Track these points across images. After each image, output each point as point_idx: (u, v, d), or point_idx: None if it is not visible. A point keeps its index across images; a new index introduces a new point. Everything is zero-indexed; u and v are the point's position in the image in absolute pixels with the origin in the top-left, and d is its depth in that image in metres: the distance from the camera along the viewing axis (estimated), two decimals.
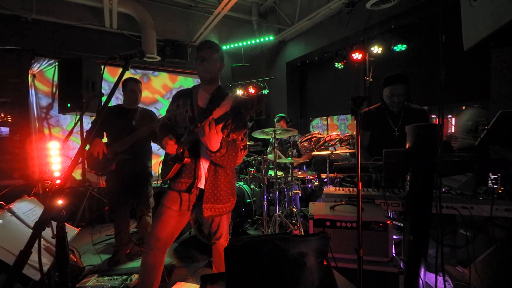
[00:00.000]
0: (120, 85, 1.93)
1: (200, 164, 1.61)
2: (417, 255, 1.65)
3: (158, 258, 1.64)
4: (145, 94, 4.82)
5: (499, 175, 1.81)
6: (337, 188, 2.22)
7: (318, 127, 6.58)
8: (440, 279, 1.50)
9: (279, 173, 3.29)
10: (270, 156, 3.76)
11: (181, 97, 1.71)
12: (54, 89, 4.04)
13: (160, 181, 3.49)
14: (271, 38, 4.92)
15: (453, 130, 3.44)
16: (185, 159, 1.57)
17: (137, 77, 2.90)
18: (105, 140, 2.61)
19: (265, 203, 3.06)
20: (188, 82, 5.34)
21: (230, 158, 1.50)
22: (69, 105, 2.92)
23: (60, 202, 0.93)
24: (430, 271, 1.82)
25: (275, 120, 4.00)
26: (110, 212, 2.81)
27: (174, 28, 4.77)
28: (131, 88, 2.62)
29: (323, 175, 3.45)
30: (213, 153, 1.43)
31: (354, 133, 2.71)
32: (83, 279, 2.22)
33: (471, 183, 2.16)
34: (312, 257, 0.96)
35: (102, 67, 2.42)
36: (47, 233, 0.97)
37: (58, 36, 3.97)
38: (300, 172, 3.56)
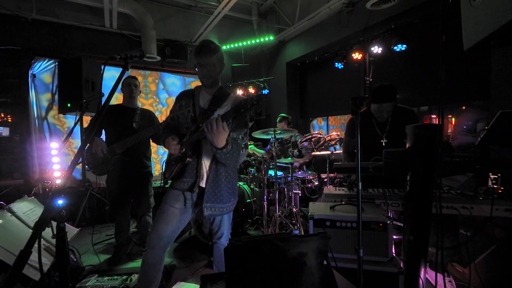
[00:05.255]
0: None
1: (202, 163, 1.62)
2: (417, 255, 1.65)
3: (158, 256, 1.65)
4: None
5: (499, 175, 1.81)
6: (337, 188, 2.22)
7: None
8: (441, 278, 1.50)
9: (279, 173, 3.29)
10: (251, 147, 3.78)
11: (184, 98, 1.72)
12: (54, 89, 4.04)
13: (161, 181, 3.49)
14: (271, 38, 4.92)
15: (449, 131, 3.44)
16: (187, 158, 1.58)
17: None
18: (103, 137, 2.62)
19: (265, 203, 3.06)
20: None
21: (234, 156, 1.50)
22: (69, 105, 2.91)
23: (60, 202, 0.93)
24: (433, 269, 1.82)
25: (277, 120, 3.99)
26: (110, 212, 2.81)
27: (174, 28, 4.76)
28: (127, 82, 2.66)
29: (323, 175, 3.45)
30: (219, 149, 1.42)
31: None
32: (83, 279, 2.21)
33: (471, 183, 2.16)
34: (312, 257, 0.96)
35: (102, 67, 2.43)
36: (47, 233, 0.97)
37: (58, 36, 3.97)
38: (300, 172, 3.56)
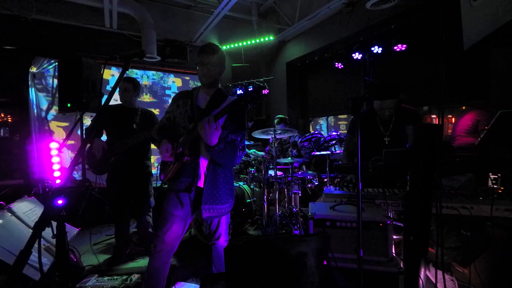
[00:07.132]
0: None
1: (200, 163, 1.62)
2: (417, 255, 1.65)
3: (164, 261, 1.63)
4: None
5: (499, 175, 1.80)
6: (337, 188, 2.22)
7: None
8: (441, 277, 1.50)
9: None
10: (252, 151, 3.76)
11: (181, 98, 1.72)
12: (54, 89, 4.04)
13: (160, 181, 3.49)
14: (271, 38, 4.92)
15: (449, 131, 3.44)
16: (185, 158, 1.58)
17: None
18: (104, 137, 2.63)
19: (265, 203, 3.06)
20: None
21: (229, 155, 1.52)
22: (69, 105, 2.91)
23: (60, 202, 0.93)
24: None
25: (275, 122, 3.98)
26: (110, 212, 2.81)
27: (174, 28, 4.76)
28: (119, 85, 2.60)
29: (323, 175, 3.45)
30: (211, 147, 1.46)
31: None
32: (83, 279, 2.22)
33: (471, 183, 2.16)
34: (312, 257, 0.96)
35: (102, 67, 2.44)
36: (47, 233, 0.97)
37: (58, 36, 3.97)
38: (300, 172, 3.56)
